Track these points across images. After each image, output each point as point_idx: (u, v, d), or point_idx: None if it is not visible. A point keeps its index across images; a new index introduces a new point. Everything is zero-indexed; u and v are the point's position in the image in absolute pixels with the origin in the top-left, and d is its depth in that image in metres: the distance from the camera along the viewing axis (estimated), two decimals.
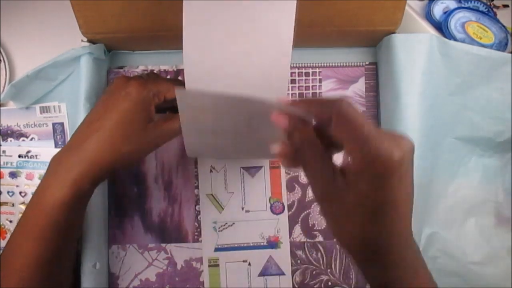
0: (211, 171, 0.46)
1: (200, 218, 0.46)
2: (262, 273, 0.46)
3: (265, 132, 0.33)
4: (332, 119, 0.27)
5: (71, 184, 0.35)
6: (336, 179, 0.27)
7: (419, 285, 0.29)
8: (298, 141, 0.28)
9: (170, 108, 0.45)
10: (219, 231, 0.46)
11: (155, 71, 0.47)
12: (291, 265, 0.46)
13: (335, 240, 0.46)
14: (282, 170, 0.47)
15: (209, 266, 0.45)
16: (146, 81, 0.38)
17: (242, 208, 0.46)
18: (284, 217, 0.46)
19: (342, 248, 0.31)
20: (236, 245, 0.46)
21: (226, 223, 0.46)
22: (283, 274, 0.46)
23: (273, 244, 0.46)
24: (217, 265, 0.45)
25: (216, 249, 0.46)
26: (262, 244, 0.46)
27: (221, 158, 0.46)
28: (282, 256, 0.46)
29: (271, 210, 0.46)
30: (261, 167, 0.46)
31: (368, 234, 0.27)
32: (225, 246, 0.46)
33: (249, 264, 0.46)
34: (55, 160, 0.36)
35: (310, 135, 0.28)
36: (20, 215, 0.37)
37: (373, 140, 0.25)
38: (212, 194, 0.46)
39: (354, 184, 0.26)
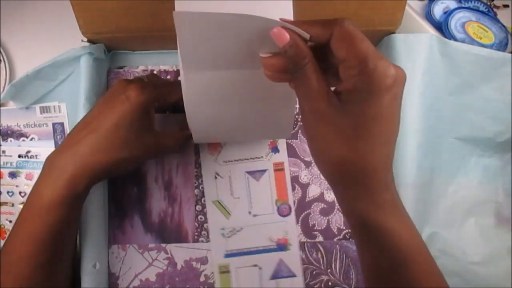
0: (215, 177, 0.46)
1: (200, 218, 0.46)
2: (274, 276, 0.45)
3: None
4: (333, 35, 0.27)
5: (66, 184, 0.34)
6: (329, 98, 0.27)
7: (399, 223, 0.29)
8: (296, 57, 0.28)
9: (170, 109, 0.45)
10: (227, 237, 0.45)
11: (155, 71, 0.47)
12: None
13: (335, 239, 0.46)
14: (287, 172, 0.46)
15: (220, 273, 0.45)
16: (147, 85, 0.37)
17: (249, 213, 0.46)
18: (292, 218, 0.46)
19: (321, 172, 0.31)
20: (245, 250, 0.45)
21: (234, 229, 0.46)
22: (294, 276, 0.45)
23: (282, 246, 0.46)
24: (228, 272, 0.45)
25: (226, 256, 0.45)
26: (271, 247, 0.45)
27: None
28: (292, 258, 0.45)
29: (278, 213, 0.46)
30: (265, 170, 0.46)
31: (351, 156, 0.27)
32: (235, 251, 0.45)
33: (260, 268, 0.45)
34: (50, 160, 0.36)
35: (309, 52, 0.28)
36: None
37: (372, 56, 0.26)
38: (218, 201, 0.46)
39: (347, 102, 0.27)
